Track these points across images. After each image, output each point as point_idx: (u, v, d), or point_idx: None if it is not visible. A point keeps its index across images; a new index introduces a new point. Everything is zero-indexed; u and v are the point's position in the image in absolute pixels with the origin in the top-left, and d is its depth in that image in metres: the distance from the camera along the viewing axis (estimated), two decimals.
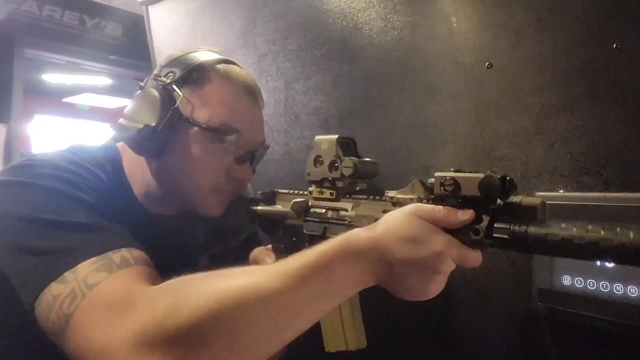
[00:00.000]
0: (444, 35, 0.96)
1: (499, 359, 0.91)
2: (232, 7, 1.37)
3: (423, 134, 0.99)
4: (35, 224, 0.65)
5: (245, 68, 0.90)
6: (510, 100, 0.88)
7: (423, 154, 0.99)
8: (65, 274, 0.60)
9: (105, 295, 0.58)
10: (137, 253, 0.66)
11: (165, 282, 0.59)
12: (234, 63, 0.87)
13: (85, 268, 0.61)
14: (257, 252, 0.92)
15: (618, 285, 0.76)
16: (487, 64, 0.90)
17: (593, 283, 0.78)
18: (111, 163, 0.82)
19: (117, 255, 0.63)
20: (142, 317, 0.55)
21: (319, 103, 1.18)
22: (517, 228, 0.56)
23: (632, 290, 0.75)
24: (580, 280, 0.80)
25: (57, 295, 0.59)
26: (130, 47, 2.86)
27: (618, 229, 0.49)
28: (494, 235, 0.57)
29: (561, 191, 0.83)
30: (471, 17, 0.93)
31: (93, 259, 0.61)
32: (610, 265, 0.77)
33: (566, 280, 0.81)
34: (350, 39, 1.11)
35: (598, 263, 0.78)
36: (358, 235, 0.60)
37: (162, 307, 0.55)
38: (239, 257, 0.94)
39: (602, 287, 0.78)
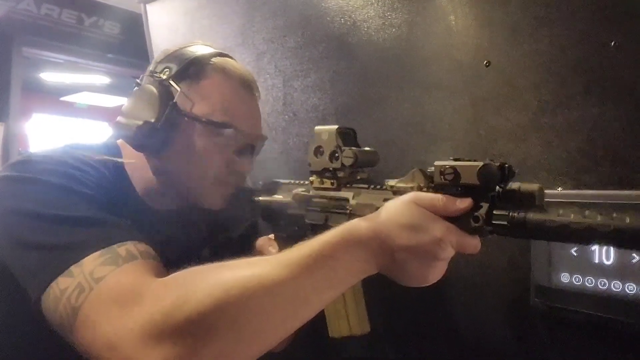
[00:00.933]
0: (442, 33, 0.96)
1: (497, 356, 0.92)
2: (231, 6, 1.37)
3: (421, 130, 1.00)
4: (40, 220, 0.65)
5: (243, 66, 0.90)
6: (507, 98, 0.88)
7: (421, 150, 0.99)
8: (72, 267, 0.61)
9: (113, 288, 0.59)
10: (142, 247, 0.66)
11: (172, 275, 0.60)
12: (228, 56, 0.88)
13: (92, 262, 0.61)
14: (260, 241, 0.94)
15: (616, 283, 0.76)
16: (485, 62, 0.90)
17: (591, 280, 0.79)
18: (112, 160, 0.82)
19: (122, 249, 0.63)
20: (149, 309, 0.55)
21: (317, 100, 1.18)
22: (515, 214, 0.57)
23: (630, 288, 0.75)
24: (579, 278, 0.80)
25: (64, 289, 0.60)
26: (128, 46, 2.85)
27: (614, 214, 0.51)
28: (493, 222, 0.58)
29: (559, 189, 0.83)
30: (469, 14, 0.93)
31: (99, 253, 0.62)
32: (608, 262, 0.77)
33: (564, 277, 0.81)
34: (348, 37, 1.11)
35: (596, 260, 0.78)
36: (360, 224, 0.61)
37: (170, 299, 0.55)
38: (241, 247, 0.95)
39: (600, 285, 0.78)
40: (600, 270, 0.78)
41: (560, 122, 0.82)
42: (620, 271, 0.76)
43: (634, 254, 0.75)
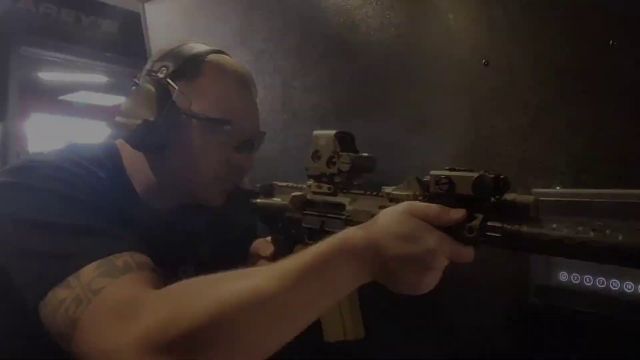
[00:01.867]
0: (441, 32, 0.96)
1: (495, 354, 0.92)
2: (229, 5, 1.36)
3: (420, 130, 1.00)
4: (37, 227, 0.65)
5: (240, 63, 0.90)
6: (506, 97, 0.88)
7: (420, 150, 0.99)
8: (69, 278, 0.61)
9: (109, 301, 0.59)
10: (139, 257, 0.66)
11: (166, 288, 0.60)
12: (225, 53, 0.88)
13: (89, 273, 0.61)
14: (257, 243, 0.94)
15: (614, 281, 0.77)
16: (483, 61, 0.90)
17: (590, 279, 0.79)
18: (111, 161, 0.82)
19: (119, 260, 0.63)
20: (145, 323, 0.55)
21: (317, 100, 1.18)
22: (509, 227, 0.57)
23: (628, 286, 0.75)
24: (577, 276, 0.80)
25: (62, 300, 0.60)
26: (127, 45, 2.84)
27: (608, 231, 0.50)
28: (487, 233, 0.58)
29: (558, 188, 0.83)
30: (468, 13, 0.93)
31: (96, 264, 0.62)
32: None
33: (563, 276, 0.81)
34: (347, 36, 1.11)
35: None
36: (354, 234, 0.61)
37: (164, 314, 0.55)
38: (239, 248, 0.95)
39: (599, 283, 0.78)
40: (599, 269, 0.78)
41: (559, 122, 0.83)
42: (619, 270, 0.75)
43: None
